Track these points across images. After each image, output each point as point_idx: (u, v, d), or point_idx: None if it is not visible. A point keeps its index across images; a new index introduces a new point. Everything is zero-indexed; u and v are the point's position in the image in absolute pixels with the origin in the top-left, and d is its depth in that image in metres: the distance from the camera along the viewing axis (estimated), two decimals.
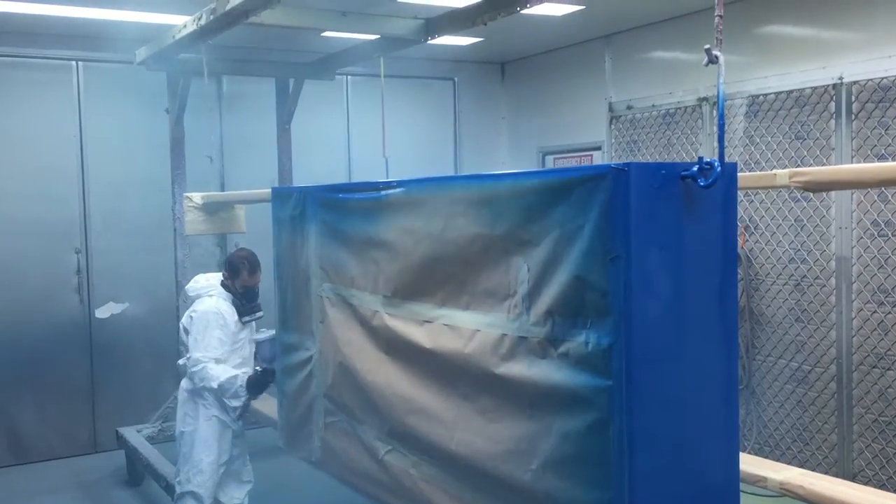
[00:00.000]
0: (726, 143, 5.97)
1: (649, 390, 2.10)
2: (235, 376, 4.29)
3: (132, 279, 6.87)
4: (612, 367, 2.12)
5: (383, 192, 3.10)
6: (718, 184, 2.11)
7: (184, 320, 4.58)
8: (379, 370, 3.13)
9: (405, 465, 3.05)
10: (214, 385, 4.27)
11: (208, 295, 4.53)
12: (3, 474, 6.32)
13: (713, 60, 2.05)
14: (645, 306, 2.09)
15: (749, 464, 3.26)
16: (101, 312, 6.79)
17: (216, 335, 4.37)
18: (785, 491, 3.07)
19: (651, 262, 2.10)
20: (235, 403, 4.35)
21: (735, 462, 2.36)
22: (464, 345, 2.67)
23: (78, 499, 5.76)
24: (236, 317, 4.48)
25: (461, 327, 2.69)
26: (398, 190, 3.02)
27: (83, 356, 6.76)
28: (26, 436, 6.57)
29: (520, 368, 2.44)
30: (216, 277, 4.63)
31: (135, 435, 6.09)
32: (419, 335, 2.90)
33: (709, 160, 2.07)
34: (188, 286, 4.68)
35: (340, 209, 3.41)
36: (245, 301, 4.52)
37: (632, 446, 2.10)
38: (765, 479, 3.10)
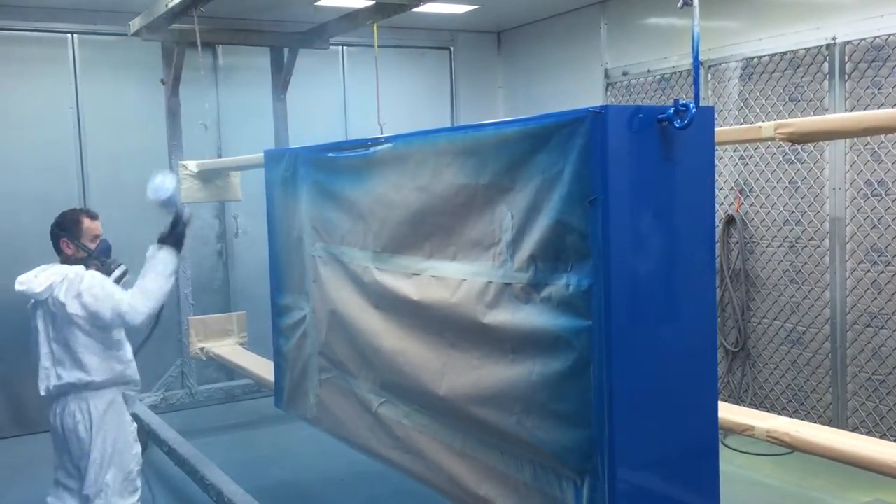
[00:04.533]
0: (720, 107, 6.01)
1: (627, 329, 2.14)
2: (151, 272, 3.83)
3: (132, 251, 6.80)
4: (592, 307, 2.16)
5: (372, 149, 3.13)
6: (695, 127, 2.14)
7: (70, 306, 3.69)
8: (370, 324, 3.18)
9: (398, 415, 3.10)
10: (162, 293, 3.82)
11: (64, 276, 3.74)
12: (8, 445, 6.42)
13: (688, 3, 2.06)
14: (623, 247, 2.13)
15: (736, 413, 3.31)
16: None
17: (111, 285, 3.78)
18: (772, 439, 3.11)
19: (629, 203, 2.13)
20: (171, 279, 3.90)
21: (714, 406, 2.39)
22: (450, 294, 2.71)
23: None
24: None
25: (448, 278, 2.73)
26: (386, 146, 3.05)
27: None
28: (30, 407, 6.64)
29: (504, 315, 2.48)
30: (54, 267, 3.83)
31: (137, 403, 6.16)
32: (408, 288, 2.94)
33: (684, 102, 2.09)
34: (25, 288, 3.80)
35: (331, 168, 3.44)
36: (104, 257, 3.94)
37: (611, 385, 2.14)
38: (752, 428, 3.15)
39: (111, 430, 3.86)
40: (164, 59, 6.09)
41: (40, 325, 3.86)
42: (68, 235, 3.92)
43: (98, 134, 6.81)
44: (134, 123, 6.85)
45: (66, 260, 3.91)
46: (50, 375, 3.83)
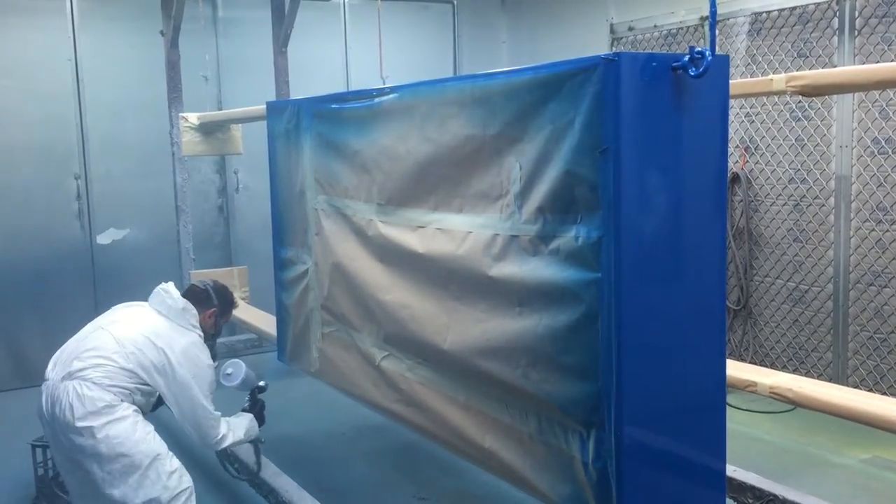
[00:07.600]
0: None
1: (637, 282, 2.12)
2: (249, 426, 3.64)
3: (132, 205, 6.89)
4: (601, 259, 2.13)
5: (376, 100, 3.08)
6: (710, 75, 2.09)
7: (148, 350, 3.23)
8: (374, 278, 3.16)
9: (401, 369, 3.09)
10: (234, 444, 3.58)
11: (191, 326, 3.40)
12: (9, 398, 6.43)
13: None
14: (634, 198, 2.09)
15: (739, 370, 3.30)
16: (103, 238, 6.84)
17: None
18: (774, 395, 3.10)
19: (641, 153, 2.09)
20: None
21: (721, 362, 2.37)
22: (456, 247, 2.68)
23: None
24: None
25: (454, 230, 2.70)
26: (391, 96, 3.00)
27: (86, 282, 6.82)
28: (32, 360, 6.66)
29: (511, 267, 2.46)
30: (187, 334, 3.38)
31: None
32: (413, 241, 2.91)
33: (700, 49, 2.04)
34: (170, 290, 3.44)
35: (334, 120, 3.39)
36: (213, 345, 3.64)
37: (619, 338, 2.12)
38: (755, 384, 3.14)
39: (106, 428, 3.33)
40: (163, 9, 5.98)
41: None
42: (219, 311, 3.57)
43: (97, 86, 6.74)
44: (133, 75, 6.78)
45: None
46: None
